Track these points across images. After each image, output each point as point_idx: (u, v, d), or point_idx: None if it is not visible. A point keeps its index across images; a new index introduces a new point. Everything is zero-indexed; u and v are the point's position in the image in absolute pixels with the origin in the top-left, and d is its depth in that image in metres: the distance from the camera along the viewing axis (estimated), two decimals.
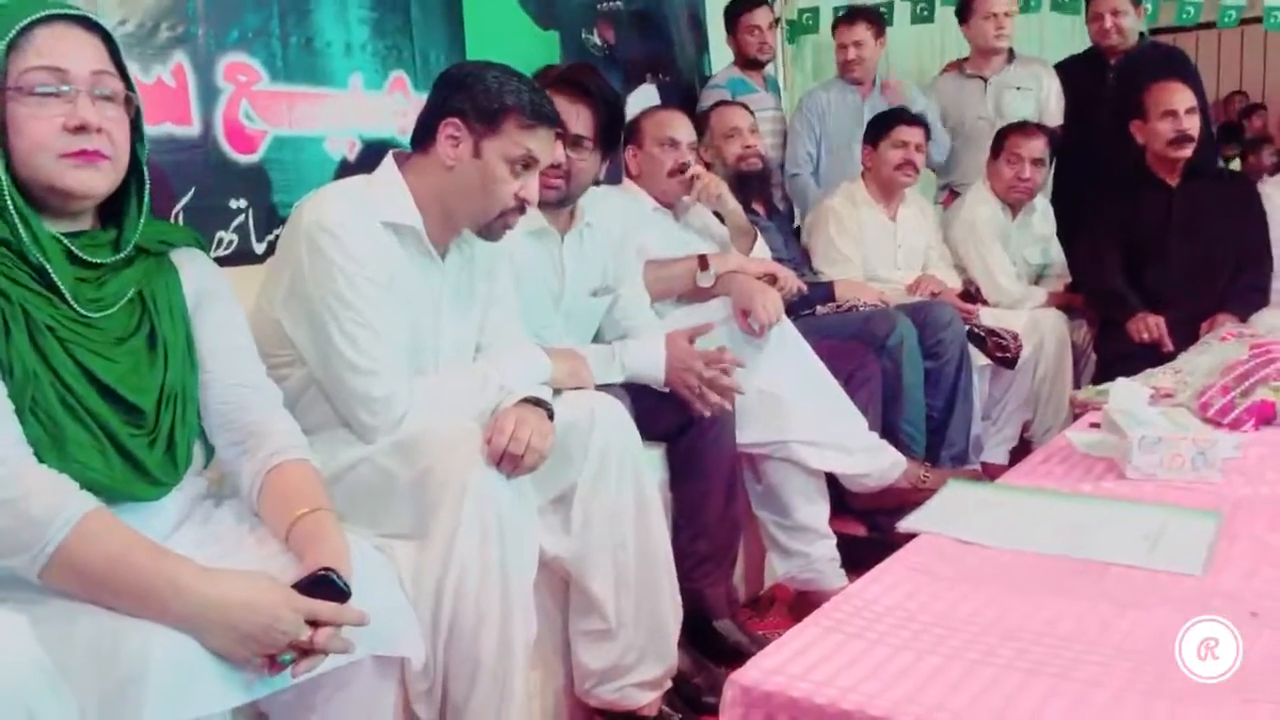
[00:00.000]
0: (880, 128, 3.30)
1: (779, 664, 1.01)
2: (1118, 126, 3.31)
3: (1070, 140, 3.72)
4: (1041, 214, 3.57)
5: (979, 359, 3.10)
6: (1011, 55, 3.86)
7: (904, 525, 1.41)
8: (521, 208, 1.72)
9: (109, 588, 1.09)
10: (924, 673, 0.99)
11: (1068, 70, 3.88)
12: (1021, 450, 3.31)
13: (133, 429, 1.23)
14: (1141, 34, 3.86)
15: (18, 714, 0.92)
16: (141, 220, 1.28)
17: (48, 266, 1.17)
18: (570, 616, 1.83)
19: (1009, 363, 3.12)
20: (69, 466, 1.15)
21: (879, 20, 3.92)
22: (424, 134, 1.71)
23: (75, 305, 1.19)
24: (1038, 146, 3.39)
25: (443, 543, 1.47)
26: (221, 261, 2.33)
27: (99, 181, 1.22)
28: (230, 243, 2.38)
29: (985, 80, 3.83)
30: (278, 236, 2.39)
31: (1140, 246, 3.20)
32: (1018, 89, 3.81)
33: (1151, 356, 2.85)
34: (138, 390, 1.24)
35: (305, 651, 1.14)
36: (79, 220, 1.26)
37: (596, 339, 2.27)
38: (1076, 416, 2.31)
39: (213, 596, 1.10)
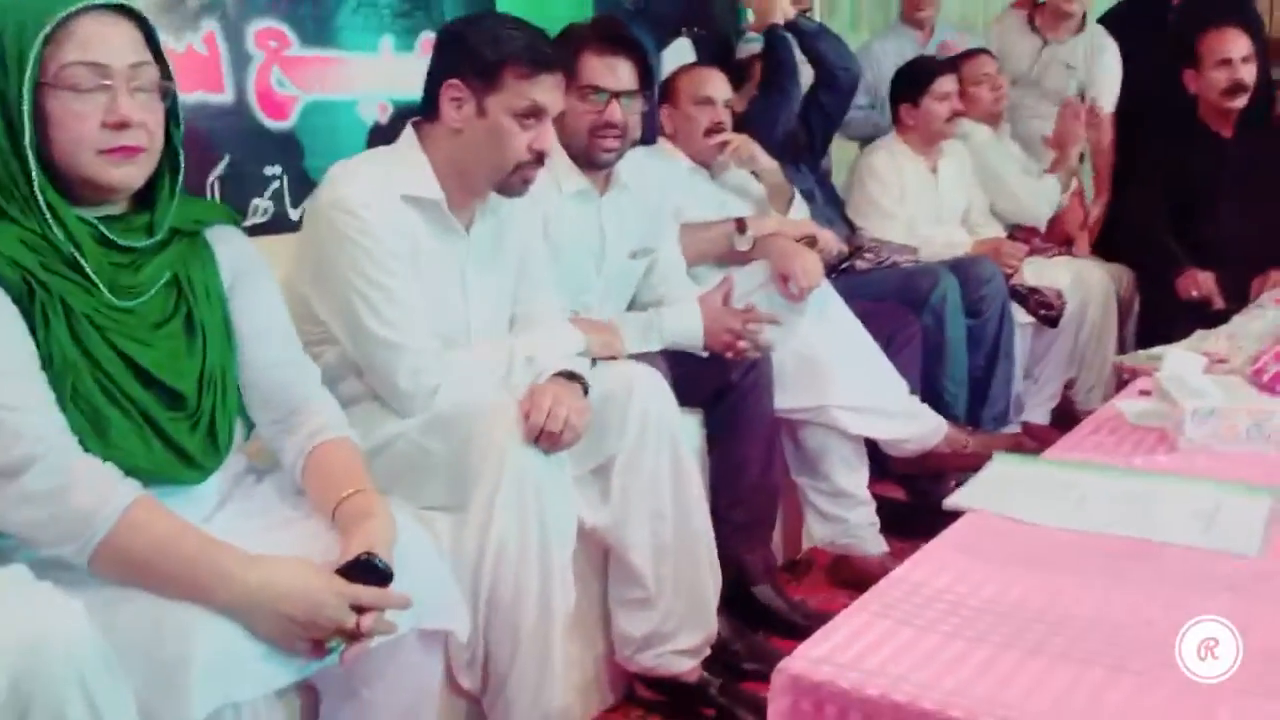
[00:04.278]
0: (917, 82, 3.10)
1: (828, 652, 0.99)
2: (1173, 72, 3.16)
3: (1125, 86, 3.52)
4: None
5: (1021, 316, 3.04)
6: (1083, 23, 3.55)
7: (950, 503, 1.38)
8: (539, 159, 1.67)
9: (156, 576, 1.09)
10: (976, 663, 0.97)
11: (1128, 10, 3.65)
12: (1063, 410, 3.26)
13: (174, 414, 1.23)
14: None
15: (76, 693, 0.93)
16: (174, 203, 1.27)
17: (79, 256, 1.16)
18: (610, 585, 1.83)
19: (1052, 321, 3.06)
20: (113, 454, 1.15)
21: None
22: (429, 99, 1.67)
23: (109, 293, 1.19)
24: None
25: (481, 517, 1.48)
26: (258, 229, 2.33)
27: (136, 175, 1.22)
28: (266, 210, 2.35)
29: (1045, 43, 3.56)
30: None
31: (1191, 200, 3.09)
32: (1068, 66, 3.54)
33: (1200, 315, 2.77)
34: (177, 375, 1.23)
35: (352, 636, 1.14)
36: (114, 205, 1.24)
37: (632, 304, 2.25)
38: (1122, 380, 2.25)
39: (257, 584, 1.10)
